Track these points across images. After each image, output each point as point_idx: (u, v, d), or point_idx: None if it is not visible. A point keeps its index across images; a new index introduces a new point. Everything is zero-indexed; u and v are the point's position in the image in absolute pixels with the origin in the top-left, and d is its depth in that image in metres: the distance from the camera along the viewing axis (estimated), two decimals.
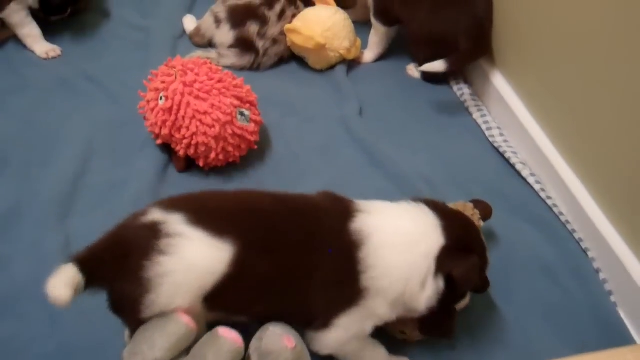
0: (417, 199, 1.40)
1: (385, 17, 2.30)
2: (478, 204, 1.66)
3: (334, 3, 2.33)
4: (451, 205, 1.59)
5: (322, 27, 2.21)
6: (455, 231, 1.33)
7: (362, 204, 1.37)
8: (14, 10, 2.20)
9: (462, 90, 2.24)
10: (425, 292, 1.30)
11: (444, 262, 1.29)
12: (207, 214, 1.24)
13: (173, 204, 1.26)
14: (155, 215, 1.23)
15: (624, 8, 1.55)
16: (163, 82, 1.80)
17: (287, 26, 2.23)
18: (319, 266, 1.27)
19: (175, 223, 1.20)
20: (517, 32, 2.03)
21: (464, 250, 1.32)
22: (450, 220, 1.35)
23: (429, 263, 1.29)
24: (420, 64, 2.23)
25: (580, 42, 1.73)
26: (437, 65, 2.05)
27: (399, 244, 1.30)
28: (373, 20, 2.32)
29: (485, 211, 1.66)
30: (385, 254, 1.28)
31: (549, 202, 1.86)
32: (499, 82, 2.12)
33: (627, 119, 1.60)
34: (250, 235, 1.24)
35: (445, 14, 2.12)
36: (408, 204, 1.38)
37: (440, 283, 1.30)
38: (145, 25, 2.43)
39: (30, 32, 2.25)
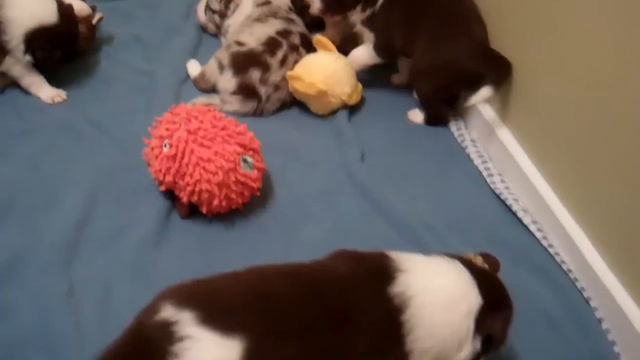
0: (449, 255, 1.39)
1: (388, 53, 2.35)
2: (487, 257, 1.65)
3: (335, 49, 2.36)
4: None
5: (323, 73, 2.24)
6: (490, 289, 1.33)
7: (398, 261, 1.33)
8: (10, 63, 2.22)
9: (463, 137, 2.26)
10: (461, 353, 1.29)
11: (484, 322, 1.29)
12: (216, 309, 1.21)
13: (184, 298, 1.22)
14: (168, 312, 1.20)
15: (625, 56, 1.59)
16: (167, 130, 1.81)
17: (289, 73, 2.26)
18: (356, 340, 1.23)
19: (186, 324, 1.18)
20: (518, 79, 2.06)
21: (498, 307, 1.32)
22: (483, 277, 1.34)
23: (469, 323, 1.28)
24: (425, 98, 2.32)
25: (581, 90, 1.76)
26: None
27: (442, 303, 1.28)
28: (372, 52, 2.35)
29: (494, 266, 1.64)
30: (430, 314, 1.26)
31: (551, 250, 1.86)
32: (500, 128, 2.15)
33: (628, 168, 1.62)
34: (264, 324, 1.21)
35: (445, 43, 2.18)
36: (443, 260, 1.37)
37: (478, 344, 1.30)
38: (150, 70, 2.45)
39: (32, 80, 2.27)
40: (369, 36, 2.34)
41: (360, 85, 2.35)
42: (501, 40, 2.13)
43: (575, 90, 1.79)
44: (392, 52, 2.35)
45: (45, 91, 2.28)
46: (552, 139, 1.92)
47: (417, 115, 2.36)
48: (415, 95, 2.37)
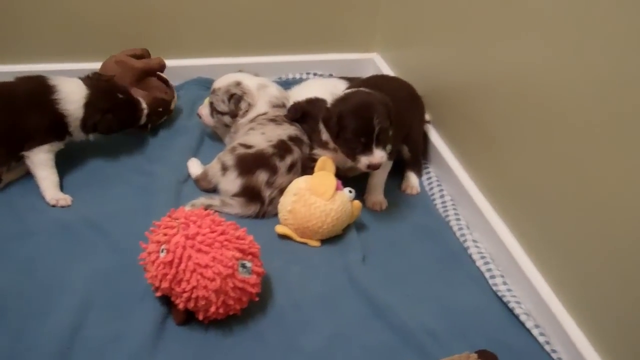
0: None
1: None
2: (483, 353, 1.63)
3: (334, 172, 2.23)
4: (455, 357, 1.61)
5: (315, 232, 2.16)
6: None
7: None
8: (43, 150, 2.28)
9: (465, 237, 2.24)
10: None
11: None
12: None
13: None
14: None
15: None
16: (165, 235, 1.80)
17: (279, 231, 2.19)
18: None
19: None
20: (523, 185, 2.06)
21: None
22: None
23: None
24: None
25: (575, 187, 1.77)
26: None
27: None
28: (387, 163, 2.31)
29: None
30: None
31: (554, 355, 1.82)
32: (502, 230, 2.14)
33: (633, 274, 1.59)
34: None
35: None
36: None
37: None
38: (151, 170, 2.46)
39: (49, 176, 2.30)
40: None
41: (357, 203, 2.22)
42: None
43: (569, 187, 1.79)
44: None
45: (54, 192, 2.28)
46: (555, 241, 1.90)
47: (412, 180, 2.51)
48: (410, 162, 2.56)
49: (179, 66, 3.03)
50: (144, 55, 2.77)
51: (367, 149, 2.11)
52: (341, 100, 2.19)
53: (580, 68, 1.73)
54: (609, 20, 1.61)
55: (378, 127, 2.07)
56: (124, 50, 2.74)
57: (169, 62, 2.84)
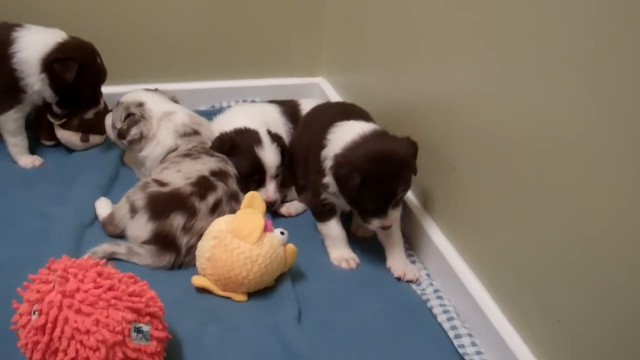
0: None
1: None
2: None
3: (264, 210, 1.87)
4: None
5: (239, 284, 1.79)
6: None
7: None
8: (11, 117, 2.29)
9: (424, 287, 1.90)
10: None
11: None
12: None
13: None
14: None
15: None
16: (38, 292, 1.43)
17: (197, 283, 1.81)
18: None
19: None
20: (485, 220, 1.73)
21: None
22: None
23: None
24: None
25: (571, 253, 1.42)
26: None
27: None
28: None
29: None
30: None
31: None
32: (469, 279, 1.80)
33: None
34: None
35: None
36: None
37: None
38: (49, 211, 2.08)
39: (20, 142, 2.36)
40: None
41: (291, 247, 1.87)
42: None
43: (564, 243, 1.45)
44: None
45: (25, 157, 2.37)
46: (533, 291, 1.55)
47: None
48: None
49: (105, 93, 2.64)
50: None
51: (382, 213, 1.89)
52: (363, 157, 1.86)
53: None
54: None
55: (401, 194, 1.90)
56: None
57: None
